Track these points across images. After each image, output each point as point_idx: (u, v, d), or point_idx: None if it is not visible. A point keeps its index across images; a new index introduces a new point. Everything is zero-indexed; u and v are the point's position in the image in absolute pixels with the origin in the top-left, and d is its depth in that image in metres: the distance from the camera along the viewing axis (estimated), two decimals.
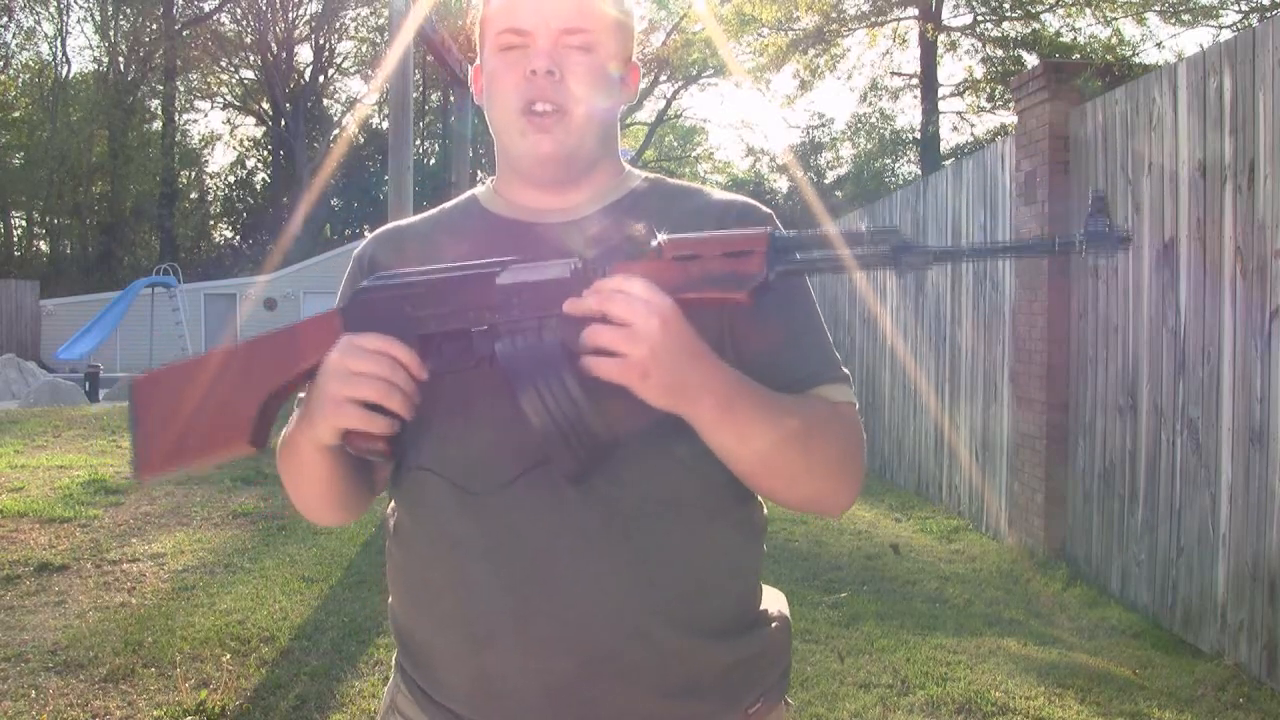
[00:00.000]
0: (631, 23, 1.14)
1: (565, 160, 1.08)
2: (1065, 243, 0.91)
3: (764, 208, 1.14)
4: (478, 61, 1.16)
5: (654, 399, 0.91)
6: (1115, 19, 19.86)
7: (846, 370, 1.11)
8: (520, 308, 0.96)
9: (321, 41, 33.87)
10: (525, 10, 1.07)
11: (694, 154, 37.53)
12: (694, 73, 30.52)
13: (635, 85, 1.17)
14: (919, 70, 23.03)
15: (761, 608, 1.14)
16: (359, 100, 34.65)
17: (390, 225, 1.23)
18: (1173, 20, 18.83)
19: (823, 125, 29.18)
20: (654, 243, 0.94)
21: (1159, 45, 29.24)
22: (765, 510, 1.15)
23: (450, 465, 1.03)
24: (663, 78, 30.51)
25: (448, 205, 1.23)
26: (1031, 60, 19.39)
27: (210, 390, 1.03)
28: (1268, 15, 15.15)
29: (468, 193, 1.23)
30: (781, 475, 1.02)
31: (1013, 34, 21.13)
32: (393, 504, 1.15)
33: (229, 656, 3.56)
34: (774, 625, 1.13)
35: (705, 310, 0.95)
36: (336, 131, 33.70)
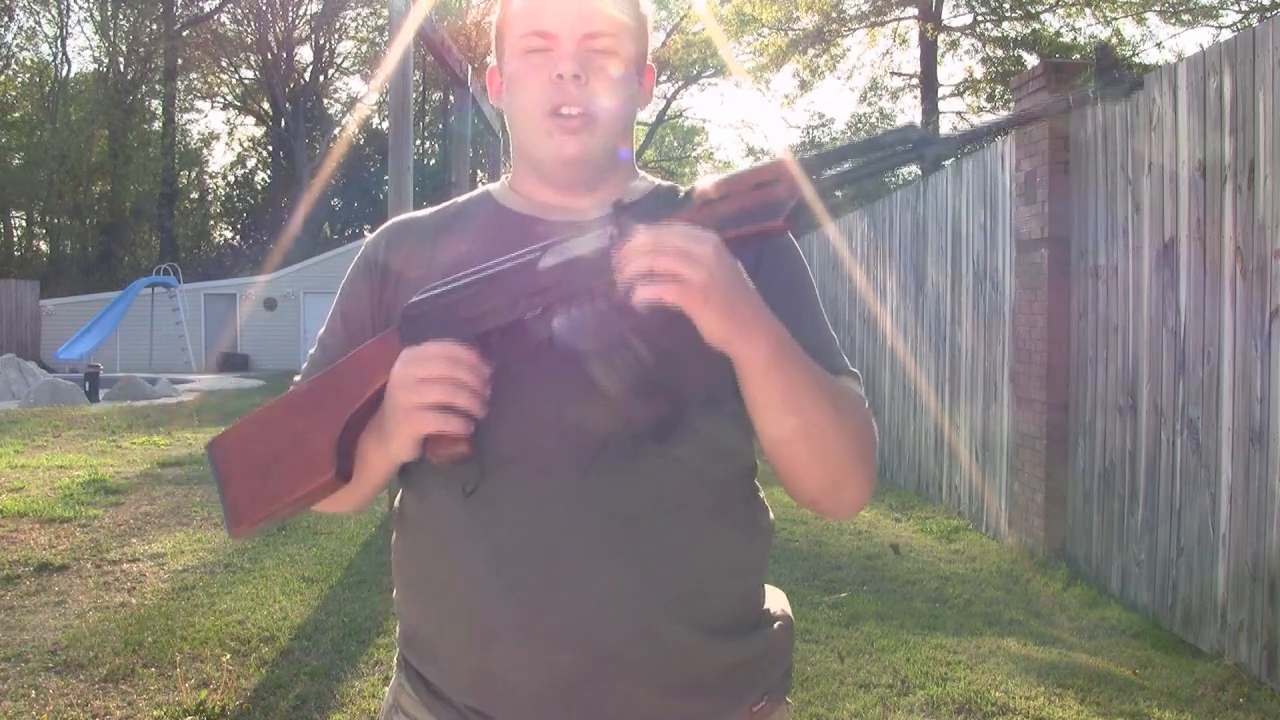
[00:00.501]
0: (647, 26, 1.16)
1: (588, 163, 1.10)
2: (1079, 96, 0.90)
3: None
4: (493, 63, 1.17)
5: (713, 326, 0.90)
6: (1115, 19, 19.88)
7: (856, 370, 1.12)
8: (569, 285, 0.97)
9: (321, 41, 33.89)
10: (550, 14, 1.08)
11: (694, 154, 37.54)
12: (694, 73, 30.54)
13: (651, 86, 1.19)
14: (919, 70, 23.04)
15: (764, 607, 1.15)
16: (359, 100, 34.66)
17: (402, 218, 1.23)
18: (1173, 20, 18.86)
19: (823, 125, 29.18)
20: (683, 193, 0.95)
21: (1159, 45, 29.27)
22: (771, 515, 1.16)
23: (532, 455, 1.03)
24: (663, 78, 30.51)
25: (460, 200, 1.23)
26: (1031, 60, 19.41)
27: (287, 433, 1.05)
28: (1268, 15, 15.15)
29: (482, 188, 1.23)
30: (816, 442, 1.01)
31: (1013, 34, 21.15)
32: (400, 495, 1.15)
33: (229, 656, 3.56)
34: (777, 625, 1.14)
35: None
36: (336, 131, 33.71)
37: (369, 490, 1.13)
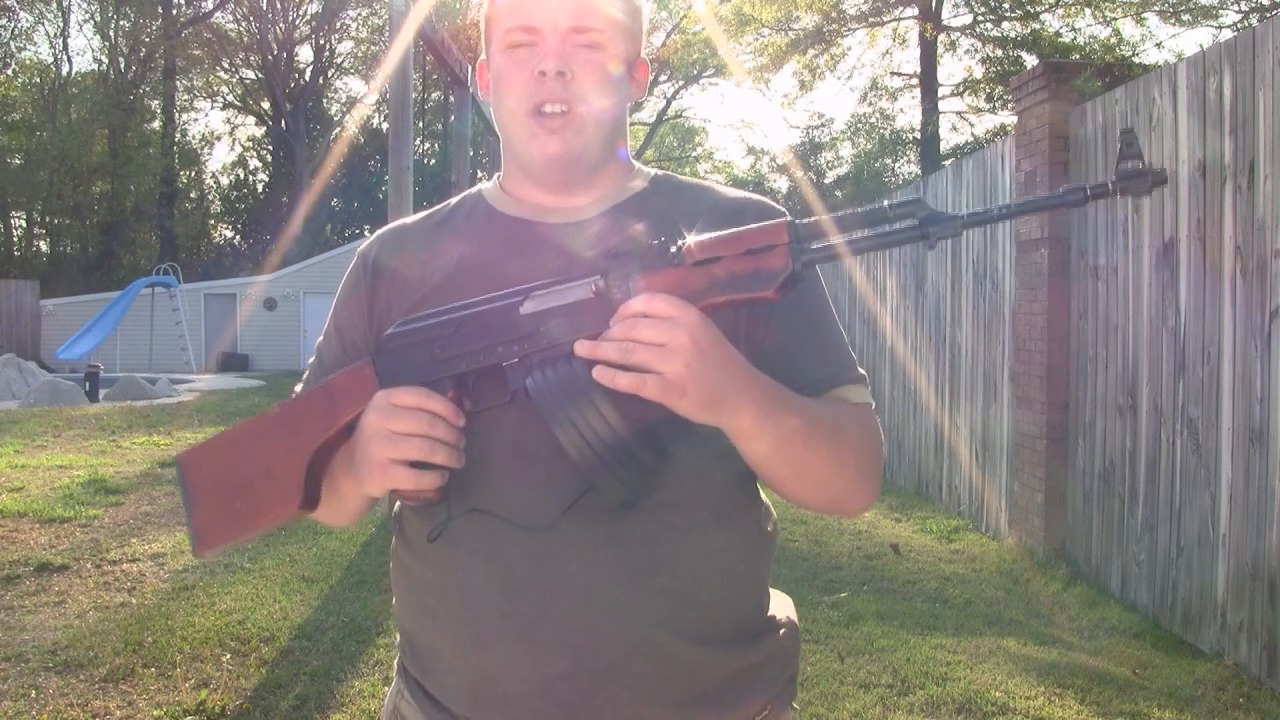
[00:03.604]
0: (640, 19, 1.13)
1: (573, 161, 1.07)
2: (1097, 189, 0.88)
3: (778, 206, 1.13)
4: (482, 57, 1.14)
5: (693, 414, 0.90)
6: (1115, 19, 19.87)
7: (863, 370, 1.11)
8: (548, 336, 0.95)
9: (321, 41, 33.87)
10: (534, 8, 1.05)
11: (694, 154, 37.52)
12: (694, 73, 30.52)
13: (645, 81, 1.16)
14: (919, 70, 23.03)
15: (769, 613, 1.13)
16: (359, 100, 34.65)
17: (394, 225, 1.21)
18: (1173, 20, 18.82)
19: (823, 125, 29.13)
20: (674, 249, 0.92)
21: (1159, 45, 29.28)
22: (774, 517, 1.15)
23: (500, 503, 1.02)
24: (663, 78, 30.50)
25: (452, 201, 1.21)
26: (1031, 60, 19.39)
27: (255, 457, 1.04)
28: (1268, 15, 15.14)
29: (474, 188, 1.21)
30: (811, 479, 1.02)
31: (1012, 34, 21.13)
32: (398, 504, 1.14)
33: (229, 656, 3.56)
34: (782, 631, 1.13)
35: (719, 313, 0.93)
36: (336, 131, 33.70)
37: (352, 513, 1.13)
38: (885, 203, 0.91)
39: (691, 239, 0.93)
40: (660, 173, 1.18)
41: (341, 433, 1.03)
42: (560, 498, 0.99)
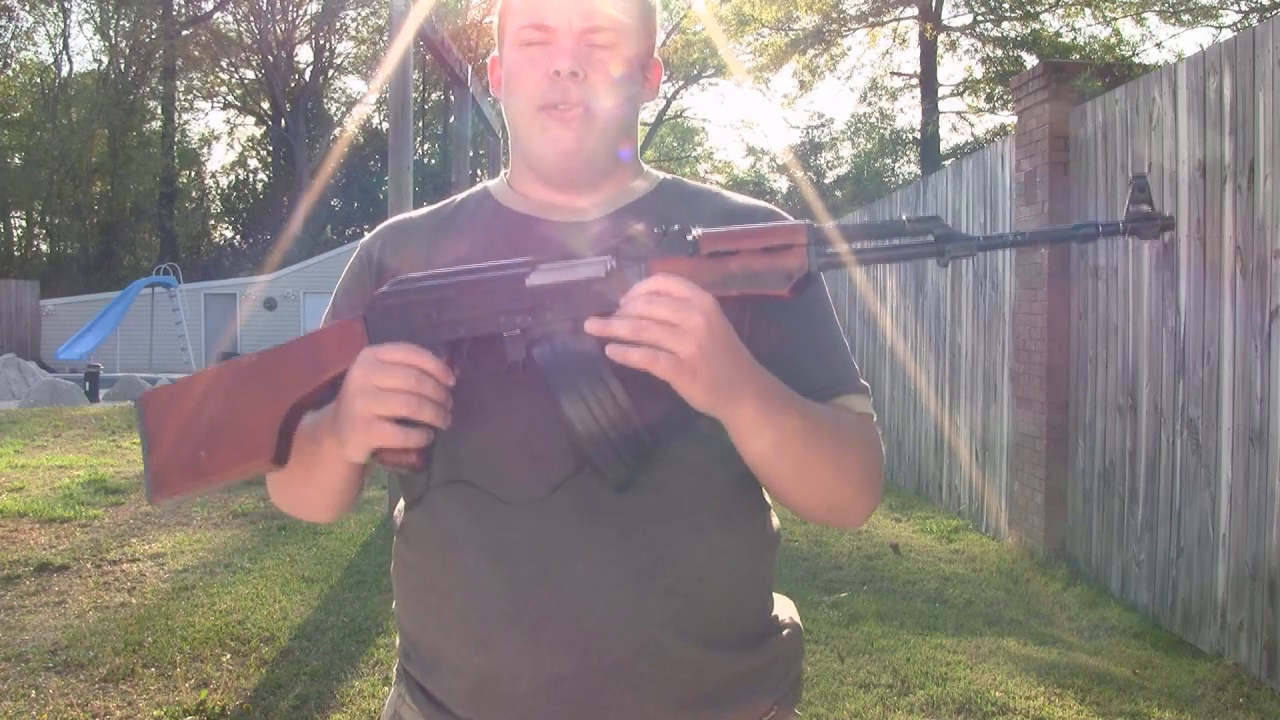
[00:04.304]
0: (654, 19, 1.13)
1: (585, 159, 1.07)
2: (1108, 226, 0.89)
3: (787, 215, 1.12)
4: (494, 53, 1.14)
5: (699, 398, 0.89)
6: (1115, 19, 19.89)
7: (865, 382, 1.11)
8: (554, 310, 0.93)
9: (321, 41, 33.88)
10: (549, 6, 1.05)
11: (694, 154, 37.53)
12: (694, 73, 30.54)
13: (657, 82, 1.15)
14: (919, 70, 23.05)
15: (773, 614, 1.13)
16: (359, 100, 34.67)
17: (397, 220, 1.20)
18: (1173, 20, 18.85)
19: (823, 125, 29.15)
20: (690, 238, 0.92)
21: (1159, 45, 29.28)
22: (777, 521, 1.14)
23: (486, 476, 1.01)
24: (663, 78, 30.51)
25: (458, 198, 1.20)
26: (1031, 60, 19.41)
27: (227, 405, 0.97)
28: (1268, 15, 15.14)
29: (480, 185, 1.20)
30: (813, 482, 1.01)
31: (1012, 34, 21.15)
32: (401, 503, 1.13)
33: (229, 656, 3.56)
34: (786, 633, 1.12)
35: (725, 310, 0.92)
36: (337, 131, 33.70)
37: (330, 498, 1.09)
38: (904, 217, 0.91)
39: (708, 230, 0.92)
40: (669, 177, 1.18)
41: (323, 389, 0.98)
42: (549, 475, 0.98)
